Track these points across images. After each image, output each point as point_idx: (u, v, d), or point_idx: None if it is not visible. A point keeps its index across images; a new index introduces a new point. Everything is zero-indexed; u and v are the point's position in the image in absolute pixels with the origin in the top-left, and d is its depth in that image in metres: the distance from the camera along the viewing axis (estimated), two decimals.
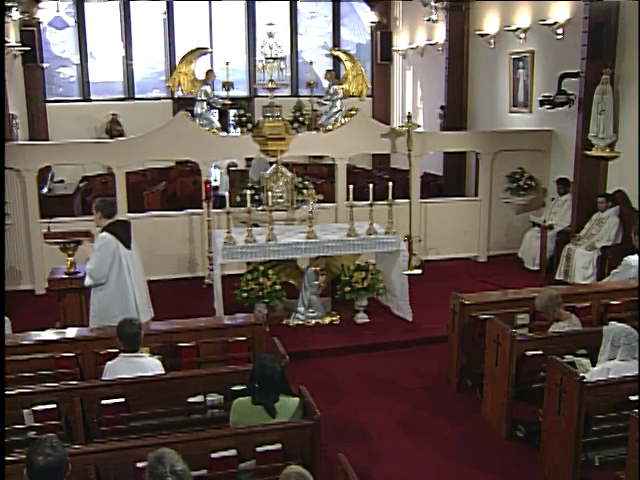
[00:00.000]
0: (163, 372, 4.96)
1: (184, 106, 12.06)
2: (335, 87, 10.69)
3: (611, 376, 4.88)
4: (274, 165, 9.29)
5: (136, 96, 16.70)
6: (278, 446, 4.06)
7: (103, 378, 4.89)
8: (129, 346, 4.85)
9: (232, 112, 12.99)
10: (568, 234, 9.42)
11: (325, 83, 12.10)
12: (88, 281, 6.30)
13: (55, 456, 3.09)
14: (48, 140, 14.09)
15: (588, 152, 9.00)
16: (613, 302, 6.58)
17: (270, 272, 7.74)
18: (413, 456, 5.38)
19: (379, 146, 10.15)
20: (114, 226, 6.37)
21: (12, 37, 13.53)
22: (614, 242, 8.73)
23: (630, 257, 7.33)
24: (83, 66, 16.33)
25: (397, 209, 8.84)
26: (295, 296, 8.06)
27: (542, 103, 9.86)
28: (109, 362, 4.97)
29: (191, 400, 4.79)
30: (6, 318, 5.97)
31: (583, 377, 4.66)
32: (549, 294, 5.89)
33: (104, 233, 6.37)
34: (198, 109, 10.54)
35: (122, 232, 6.36)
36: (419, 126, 10.29)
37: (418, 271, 9.57)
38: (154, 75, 17.06)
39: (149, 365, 4.90)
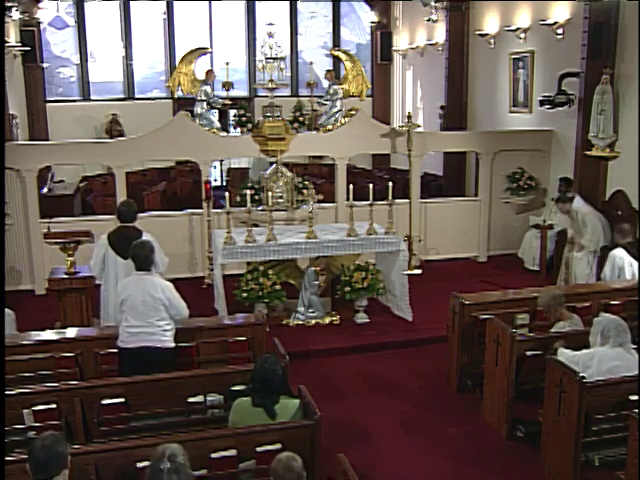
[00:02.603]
0: (174, 295, 5.30)
1: (184, 106, 12.06)
2: (335, 87, 10.70)
3: (595, 362, 4.91)
4: (274, 165, 9.30)
5: (136, 96, 16.70)
6: (278, 446, 4.05)
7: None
8: (140, 266, 5.31)
9: (232, 112, 13.01)
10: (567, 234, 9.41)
11: (325, 83, 12.12)
12: None
13: (55, 444, 3.22)
14: (48, 140, 14.09)
15: (588, 152, 9.00)
16: (613, 302, 6.59)
17: (270, 272, 7.74)
18: (413, 456, 5.38)
19: (379, 146, 10.15)
20: (114, 232, 6.37)
21: (12, 37, 13.53)
22: (598, 234, 8.59)
23: (615, 251, 7.39)
24: (83, 66, 16.32)
25: (397, 209, 8.85)
26: (295, 296, 8.06)
27: (542, 103, 9.86)
28: (124, 279, 5.56)
29: (191, 400, 4.80)
30: (9, 311, 6.00)
31: (583, 377, 4.66)
32: (552, 293, 5.92)
33: (104, 235, 6.41)
34: (198, 109, 10.54)
35: (118, 240, 6.28)
36: (419, 126, 10.29)
37: (418, 271, 9.58)
38: (154, 75, 17.06)
39: (158, 283, 5.29)
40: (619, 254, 7.28)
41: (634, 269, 7.17)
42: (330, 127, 10.03)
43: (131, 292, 5.23)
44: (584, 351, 5.09)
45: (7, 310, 5.99)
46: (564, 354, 5.15)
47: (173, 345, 5.30)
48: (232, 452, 4.04)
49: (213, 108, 11.13)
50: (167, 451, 3.26)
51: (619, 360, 4.90)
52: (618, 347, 4.94)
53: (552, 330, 5.86)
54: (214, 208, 9.40)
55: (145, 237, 6.21)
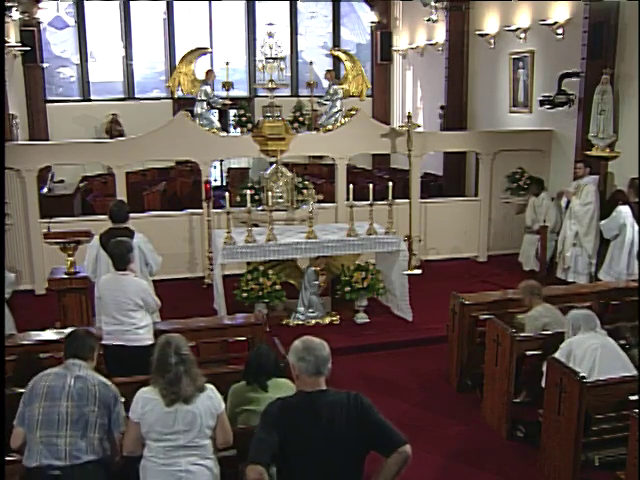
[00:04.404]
0: (148, 294, 5.31)
1: (184, 106, 12.06)
2: (335, 87, 10.70)
3: (574, 347, 5.03)
4: (274, 165, 9.30)
5: (136, 96, 16.72)
6: None
7: (95, 293, 5.64)
8: (117, 264, 5.30)
9: (232, 112, 13.01)
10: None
11: (325, 83, 12.12)
12: None
13: (88, 335, 3.99)
14: (48, 140, 14.09)
15: (588, 152, 9.01)
16: (613, 302, 6.59)
17: (270, 272, 7.75)
18: (413, 456, 5.33)
19: (379, 146, 10.15)
20: (106, 233, 6.30)
21: (12, 37, 13.54)
22: (592, 211, 8.71)
23: (621, 207, 7.55)
24: (83, 66, 16.34)
25: (397, 209, 8.85)
26: (295, 296, 8.06)
27: (542, 103, 9.86)
28: (103, 276, 5.63)
29: None
30: (10, 275, 6.11)
31: (583, 377, 4.66)
32: (529, 282, 6.12)
33: (96, 235, 6.39)
34: (198, 109, 10.54)
35: (110, 241, 6.24)
36: (419, 126, 10.29)
37: (418, 271, 9.57)
38: (154, 75, 17.07)
39: (132, 284, 5.26)
40: (625, 211, 7.37)
41: (634, 232, 7.27)
42: (330, 127, 10.03)
43: (106, 291, 5.27)
44: (561, 345, 5.21)
45: (8, 274, 6.11)
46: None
47: (151, 342, 5.19)
48: (232, 452, 4.04)
49: (213, 108, 11.12)
50: (173, 343, 3.65)
51: (595, 339, 5.06)
52: (591, 331, 5.12)
53: (528, 314, 5.89)
54: (214, 208, 9.40)
55: (137, 237, 6.17)
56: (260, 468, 2.89)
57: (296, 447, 3.04)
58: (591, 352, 4.96)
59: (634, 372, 5.02)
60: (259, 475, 2.89)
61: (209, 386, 3.73)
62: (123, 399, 3.94)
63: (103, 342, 5.23)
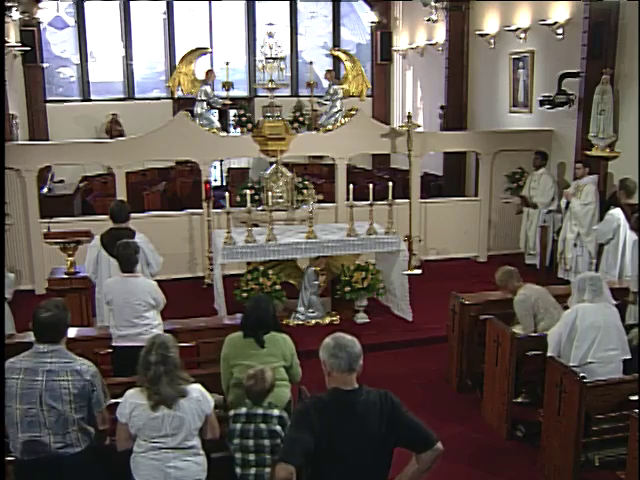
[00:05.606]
0: (158, 293, 5.34)
1: (184, 106, 12.06)
2: (335, 87, 10.71)
3: (579, 317, 5.04)
4: (274, 165, 9.30)
5: (136, 96, 16.69)
6: None
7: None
8: (124, 267, 5.27)
9: (232, 112, 13.03)
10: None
11: (325, 83, 12.12)
12: None
13: (56, 314, 3.63)
14: (48, 140, 14.09)
15: (588, 152, 9.00)
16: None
17: (270, 272, 7.75)
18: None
19: (379, 146, 10.15)
20: (107, 233, 6.30)
21: (12, 37, 13.54)
22: (593, 211, 8.67)
23: (613, 210, 7.48)
24: (83, 66, 16.32)
25: (397, 209, 8.84)
26: (295, 296, 8.06)
27: (542, 103, 9.86)
28: (108, 279, 5.57)
29: None
30: (11, 274, 6.18)
31: (583, 377, 4.66)
32: (506, 269, 6.10)
33: (97, 235, 6.40)
34: (198, 109, 10.54)
35: (111, 241, 6.12)
36: (419, 126, 10.28)
37: (418, 271, 9.56)
38: (154, 75, 17.06)
39: (141, 284, 5.28)
40: (617, 214, 7.31)
41: (626, 235, 7.25)
42: (330, 127, 10.02)
43: (116, 294, 5.25)
44: (565, 312, 5.22)
45: (7, 274, 6.11)
46: (550, 333, 5.27)
47: None
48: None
49: (213, 108, 11.13)
50: (157, 342, 3.62)
51: (600, 315, 5.06)
52: (596, 300, 5.10)
53: (514, 302, 5.88)
54: (214, 208, 9.40)
55: (138, 237, 6.14)
56: (291, 468, 2.89)
57: (329, 445, 3.05)
58: (593, 331, 4.99)
59: (628, 355, 5.11)
60: (289, 475, 2.87)
61: (196, 387, 3.71)
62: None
63: (114, 344, 5.26)
